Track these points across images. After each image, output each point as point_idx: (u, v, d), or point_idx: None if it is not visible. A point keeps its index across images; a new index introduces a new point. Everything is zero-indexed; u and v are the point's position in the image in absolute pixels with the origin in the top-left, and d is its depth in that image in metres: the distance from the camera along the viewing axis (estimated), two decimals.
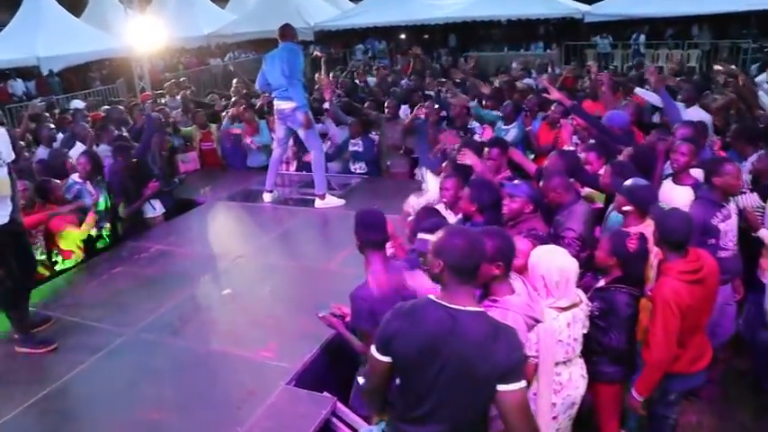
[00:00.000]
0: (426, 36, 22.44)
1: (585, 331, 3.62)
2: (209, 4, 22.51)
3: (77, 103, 10.77)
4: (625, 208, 4.21)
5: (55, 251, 5.73)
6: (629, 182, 4.28)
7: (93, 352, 4.43)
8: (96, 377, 4.20)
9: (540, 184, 4.99)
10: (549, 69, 13.65)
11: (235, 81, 11.32)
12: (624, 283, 3.78)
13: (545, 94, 7.24)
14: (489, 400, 2.49)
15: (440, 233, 2.64)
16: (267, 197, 7.39)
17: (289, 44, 6.85)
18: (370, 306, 3.39)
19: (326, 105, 8.27)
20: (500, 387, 2.43)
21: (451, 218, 5.21)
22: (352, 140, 8.04)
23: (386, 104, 8.35)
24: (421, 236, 3.72)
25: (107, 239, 6.20)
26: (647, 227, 4.06)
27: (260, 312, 4.92)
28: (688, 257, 3.58)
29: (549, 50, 21.65)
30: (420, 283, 3.57)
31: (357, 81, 12.29)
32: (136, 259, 6.00)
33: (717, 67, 9.54)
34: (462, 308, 2.50)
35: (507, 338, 2.49)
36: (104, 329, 4.74)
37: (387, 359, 2.63)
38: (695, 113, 6.61)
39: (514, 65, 15.24)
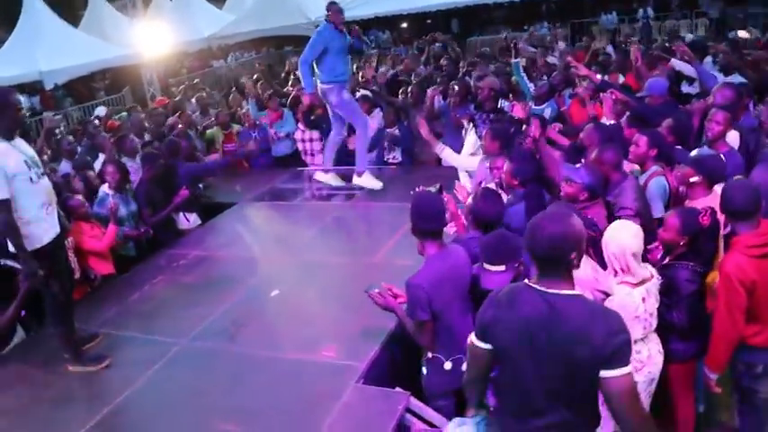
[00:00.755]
0: (429, 21, 22.19)
1: (658, 305, 3.50)
2: (206, 6, 22.16)
3: (101, 111, 10.57)
4: (693, 179, 4.06)
5: (88, 268, 5.55)
6: (695, 152, 4.15)
7: (148, 365, 4.28)
8: (157, 390, 4.06)
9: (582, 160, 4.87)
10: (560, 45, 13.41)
11: (245, 79, 11.16)
12: (688, 259, 3.64)
13: (573, 71, 7.10)
14: (596, 387, 2.35)
15: (531, 222, 2.51)
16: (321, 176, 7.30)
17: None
18: (427, 294, 3.31)
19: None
20: (603, 373, 2.30)
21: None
22: (388, 129, 7.89)
23: (409, 90, 8.18)
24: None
25: (134, 250, 6.05)
26: (715, 198, 3.91)
27: (314, 312, 4.78)
28: (759, 230, 3.39)
29: (552, 29, 21.43)
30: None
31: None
32: (175, 267, 5.85)
33: (742, 33, 9.32)
34: (558, 292, 2.39)
35: (607, 321, 2.35)
36: (156, 341, 4.59)
37: (487, 346, 2.54)
38: (735, 80, 6.46)
39: (521, 44, 15.02)
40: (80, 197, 5.54)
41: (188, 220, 6.63)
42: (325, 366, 4.07)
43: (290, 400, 3.78)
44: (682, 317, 3.61)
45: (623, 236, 3.45)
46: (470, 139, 6.12)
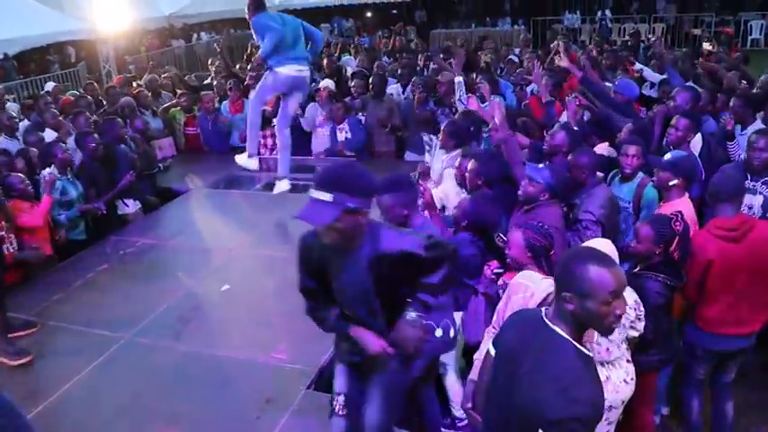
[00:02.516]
0: (394, 12, 22.01)
1: (636, 333, 3.40)
2: None
3: (50, 86, 10.09)
4: (672, 182, 4.04)
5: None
6: (668, 156, 4.13)
7: (88, 361, 4.05)
8: (96, 389, 3.82)
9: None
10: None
11: (214, 61, 10.83)
12: (659, 271, 3.57)
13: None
14: None
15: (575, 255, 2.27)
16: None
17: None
18: None
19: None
20: None
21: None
22: (338, 126, 7.66)
23: (371, 81, 8.01)
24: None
25: (84, 234, 5.77)
26: (685, 202, 4.03)
27: (265, 310, 4.59)
28: (733, 218, 3.58)
29: (515, 26, 21.52)
30: None
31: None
32: (121, 255, 5.58)
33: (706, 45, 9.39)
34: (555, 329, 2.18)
35: (578, 388, 2.04)
36: (97, 334, 4.35)
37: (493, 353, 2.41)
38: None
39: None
40: (20, 175, 5.24)
41: (127, 206, 6.31)
42: (275, 370, 3.90)
43: (236, 405, 3.60)
44: (647, 328, 3.54)
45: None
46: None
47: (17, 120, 7.27)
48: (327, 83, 8.47)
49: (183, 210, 6.71)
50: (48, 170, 5.51)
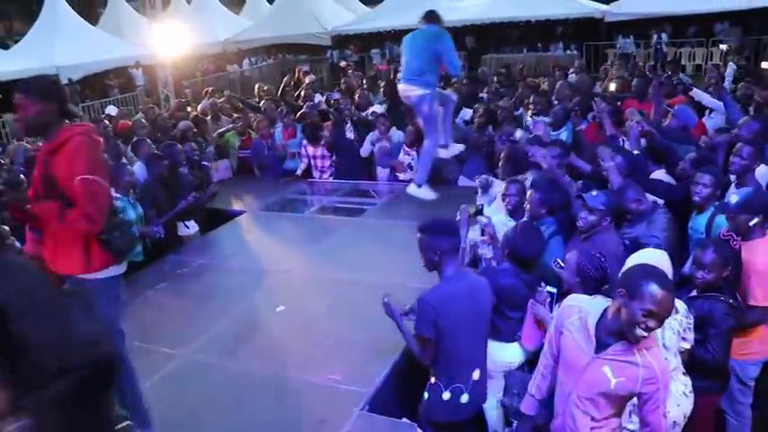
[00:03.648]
0: None
1: (688, 346, 3.34)
2: (223, 10, 22.30)
3: (112, 110, 10.45)
4: (752, 222, 3.83)
5: None
6: (734, 198, 3.98)
7: (144, 377, 4.07)
8: (153, 406, 3.86)
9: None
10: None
11: (262, 86, 11.06)
12: (721, 292, 3.52)
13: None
14: None
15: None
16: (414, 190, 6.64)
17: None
18: (435, 311, 3.20)
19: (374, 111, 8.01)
20: None
21: (512, 223, 4.97)
22: (406, 148, 7.65)
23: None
24: None
25: (143, 255, 5.91)
26: None
27: (320, 331, 4.62)
28: None
29: (568, 51, 21.34)
30: None
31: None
32: (179, 274, 5.71)
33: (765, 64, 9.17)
34: None
35: None
36: (154, 351, 4.44)
37: None
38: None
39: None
40: None
41: (187, 227, 6.46)
42: (329, 390, 3.91)
43: (289, 425, 3.63)
44: (718, 351, 3.49)
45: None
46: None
47: None
48: (377, 108, 8.58)
49: (238, 231, 6.83)
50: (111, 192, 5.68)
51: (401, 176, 7.63)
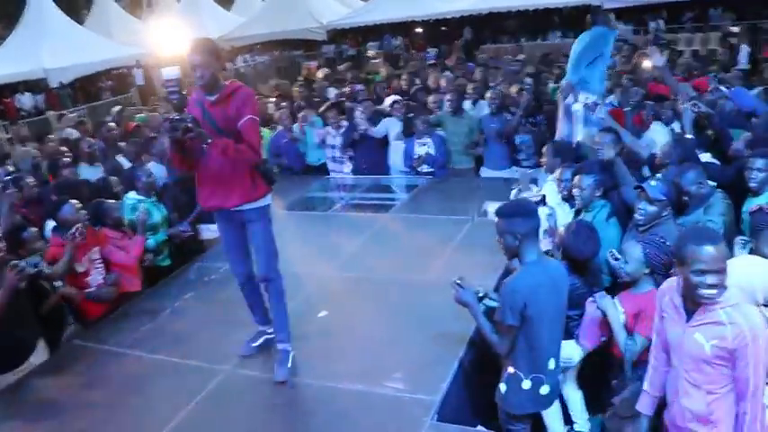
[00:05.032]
0: (444, 28, 21.80)
1: None
2: (215, 7, 21.85)
3: (116, 111, 10.05)
4: None
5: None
6: None
7: (190, 396, 3.80)
8: (205, 427, 3.57)
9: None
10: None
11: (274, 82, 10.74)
12: None
13: None
14: None
15: None
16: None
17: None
18: (525, 301, 3.03)
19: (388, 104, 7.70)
20: None
21: (567, 209, 4.75)
22: (418, 141, 7.31)
23: (447, 99, 7.72)
24: None
25: (169, 259, 5.58)
26: None
27: (370, 336, 4.30)
28: None
29: (566, 39, 21.12)
30: None
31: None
32: (206, 282, 5.37)
33: None
34: None
35: None
36: (196, 367, 4.11)
37: None
38: None
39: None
40: (115, 202, 5.09)
41: (210, 230, 6.13)
42: (392, 400, 3.61)
43: None
44: None
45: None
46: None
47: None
48: (395, 97, 8.24)
49: None
50: (132, 194, 5.35)
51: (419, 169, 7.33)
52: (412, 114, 7.51)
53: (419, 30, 21.92)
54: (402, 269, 5.22)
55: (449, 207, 6.51)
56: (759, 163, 4.24)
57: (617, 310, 3.58)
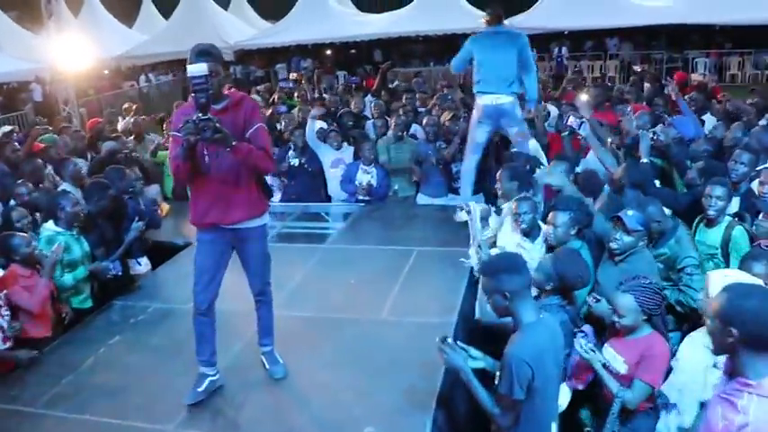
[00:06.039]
0: (353, 51, 21.67)
1: None
2: (115, 24, 20.75)
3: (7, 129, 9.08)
4: None
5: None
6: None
7: None
8: None
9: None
10: None
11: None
12: None
13: None
14: None
15: (724, 293, 2.17)
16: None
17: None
18: (533, 372, 2.74)
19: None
20: None
21: (529, 245, 4.56)
22: (363, 167, 7.02)
23: (393, 123, 7.46)
24: None
25: (91, 300, 4.97)
26: None
27: (330, 383, 3.90)
28: None
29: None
30: None
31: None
32: (134, 324, 4.80)
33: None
34: None
35: None
36: (133, 429, 3.57)
37: None
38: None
39: None
40: (26, 235, 4.45)
41: (139, 264, 5.61)
42: None
43: None
44: None
45: None
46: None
47: None
48: (322, 123, 7.91)
49: (189, 267, 5.89)
50: (50, 225, 4.72)
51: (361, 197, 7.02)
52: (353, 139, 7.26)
53: (329, 52, 21.68)
54: (352, 307, 4.85)
55: (388, 236, 6.23)
56: (718, 191, 4.23)
57: (598, 355, 3.40)
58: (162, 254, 6.09)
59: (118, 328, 4.74)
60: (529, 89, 6.19)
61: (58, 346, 4.50)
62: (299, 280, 5.37)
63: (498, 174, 5.22)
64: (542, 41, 21.71)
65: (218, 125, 3.13)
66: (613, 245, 3.94)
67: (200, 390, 3.76)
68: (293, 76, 11.84)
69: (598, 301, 3.68)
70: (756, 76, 19.24)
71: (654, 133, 5.17)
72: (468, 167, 6.46)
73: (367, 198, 6.98)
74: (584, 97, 6.43)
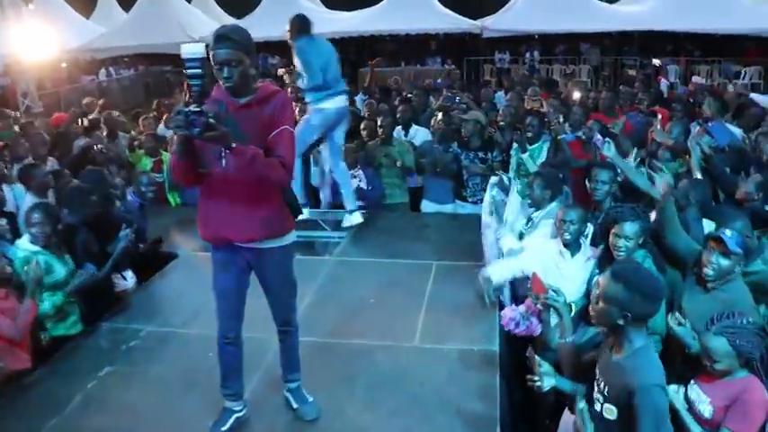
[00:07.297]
0: None
1: None
2: (73, 14, 19.70)
3: None
4: None
5: None
6: None
7: None
8: None
9: None
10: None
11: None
12: None
13: None
14: None
15: None
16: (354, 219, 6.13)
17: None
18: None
19: None
20: None
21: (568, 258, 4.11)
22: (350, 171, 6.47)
23: (380, 124, 6.93)
24: None
25: (81, 324, 4.32)
26: None
27: (371, 426, 3.37)
28: None
29: (445, 65, 21.23)
30: None
31: None
32: (126, 351, 4.16)
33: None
34: None
35: None
36: None
37: None
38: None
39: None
40: None
41: (125, 279, 4.97)
42: None
43: None
44: None
45: None
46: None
47: None
48: None
49: (180, 283, 5.27)
50: (25, 242, 4.05)
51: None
52: None
53: None
54: (378, 331, 4.32)
55: (399, 249, 5.72)
56: None
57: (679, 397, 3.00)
58: (145, 264, 5.43)
59: (108, 356, 4.08)
60: None
61: (40, 380, 3.83)
62: (311, 298, 4.78)
63: (530, 179, 4.77)
64: (513, 44, 21.63)
65: (211, 121, 2.56)
66: (708, 270, 3.43)
67: (224, 429, 3.24)
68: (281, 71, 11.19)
69: (681, 324, 3.25)
70: (725, 84, 19.33)
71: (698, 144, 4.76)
72: None
73: (361, 203, 6.44)
74: (576, 95, 6.07)
